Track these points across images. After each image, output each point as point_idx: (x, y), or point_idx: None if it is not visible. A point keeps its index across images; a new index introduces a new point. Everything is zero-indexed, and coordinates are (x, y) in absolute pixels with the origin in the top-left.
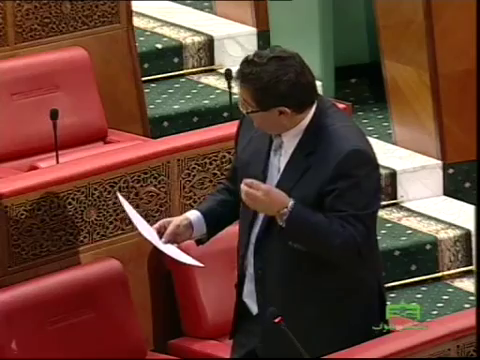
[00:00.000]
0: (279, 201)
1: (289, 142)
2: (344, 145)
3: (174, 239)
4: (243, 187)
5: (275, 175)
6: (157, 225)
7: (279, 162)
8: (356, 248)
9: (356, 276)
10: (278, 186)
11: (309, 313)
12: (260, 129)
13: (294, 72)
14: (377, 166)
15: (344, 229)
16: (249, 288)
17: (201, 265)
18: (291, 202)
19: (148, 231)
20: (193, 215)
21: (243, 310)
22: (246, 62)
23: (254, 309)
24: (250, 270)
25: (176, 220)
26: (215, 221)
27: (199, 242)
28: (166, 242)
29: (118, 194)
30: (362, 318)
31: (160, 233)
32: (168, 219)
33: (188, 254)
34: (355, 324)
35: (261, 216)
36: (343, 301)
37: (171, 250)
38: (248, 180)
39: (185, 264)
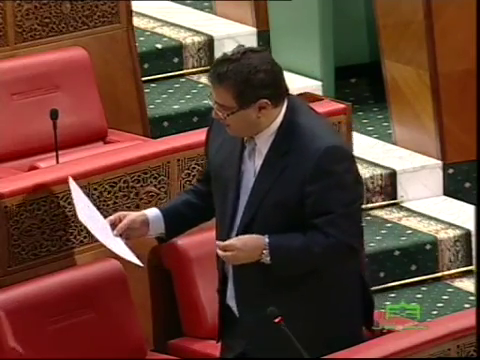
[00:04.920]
0: (256, 243)
1: (263, 143)
2: (320, 142)
3: (127, 233)
4: (220, 253)
5: (250, 178)
6: (112, 217)
7: (254, 165)
8: (346, 247)
9: (337, 275)
10: (254, 189)
11: (290, 313)
12: (235, 134)
13: (270, 62)
14: (354, 159)
15: (327, 236)
16: (233, 291)
17: (141, 265)
18: (265, 238)
19: (97, 221)
20: (152, 213)
21: (227, 314)
22: (219, 62)
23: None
24: (231, 273)
25: (132, 215)
26: (176, 221)
27: (160, 240)
28: (117, 235)
29: (70, 179)
30: (344, 318)
31: (114, 225)
32: (124, 212)
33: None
34: (337, 324)
35: (238, 219)
36: (324, 300)
37: (116, 245)
38: (219, 244)
39: (126, 260)
